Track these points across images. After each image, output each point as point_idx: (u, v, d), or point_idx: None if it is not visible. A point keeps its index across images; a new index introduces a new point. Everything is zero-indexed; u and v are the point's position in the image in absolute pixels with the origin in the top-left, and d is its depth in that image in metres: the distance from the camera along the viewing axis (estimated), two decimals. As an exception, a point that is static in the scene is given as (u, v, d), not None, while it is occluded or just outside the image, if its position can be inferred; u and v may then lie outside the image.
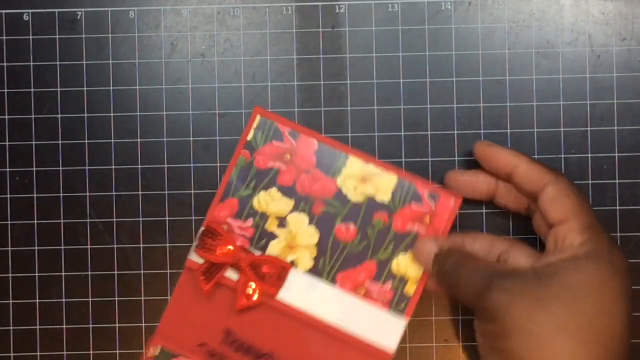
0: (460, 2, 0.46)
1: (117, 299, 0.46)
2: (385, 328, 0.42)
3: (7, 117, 0.46)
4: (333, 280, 0.42)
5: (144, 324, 0.46)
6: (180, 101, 0.46)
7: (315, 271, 0.42)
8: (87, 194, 0.46)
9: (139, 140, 0.46)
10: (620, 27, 0.46)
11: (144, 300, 0.46)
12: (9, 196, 0.46)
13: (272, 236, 0.43)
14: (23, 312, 0.46)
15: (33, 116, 0.46)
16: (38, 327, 0.46)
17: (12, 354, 0.46)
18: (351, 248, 0.42)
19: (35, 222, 0.46)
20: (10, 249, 0.46)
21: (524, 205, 0.42)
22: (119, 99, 0.46)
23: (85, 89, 0.46)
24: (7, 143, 0.46)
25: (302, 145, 0.43)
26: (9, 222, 0.46)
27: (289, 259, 0.43)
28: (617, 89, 0.46)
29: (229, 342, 0.43)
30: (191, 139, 0.46)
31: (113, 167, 0.46)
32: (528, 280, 0.37)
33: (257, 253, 0.43)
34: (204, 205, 0.45)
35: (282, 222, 0.43)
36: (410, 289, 0.42)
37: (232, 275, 0.43)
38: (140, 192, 0.46)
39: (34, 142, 0.46)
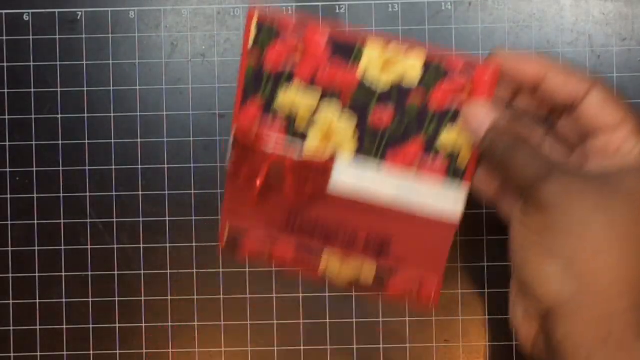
0: (460, 2, 0.46)
1: (117, 299, 0.46)
2: (444, 198, 0.40)
3: (7, 117, 0.46)
4: (382, 159, 0.40)
5: (144, 324, 0.46)
6: (180, 101, 0.46)
7: (360, 153, 0.40)
8: (87, 194, 0.46)
9: (139, 140, 0.46)
10: (620, 27, 0.46)
11: (144, 300, 0.46)
12: (9, 196, 0.46)
13: (305, 132, 0.40)
14: (23, 312, 0.46)
15: (33, 116, 0.46)
16: (38, 327, 0.46)
17: (12, 354, 0.46)
18: (391, 131, 0.39)
19: (35, 222, 0.46)
20: (10, 249, 0.46)
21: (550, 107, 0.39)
22: (119, 99, 0.46)
23: (85, 89, 0.46)
24: (7, 143, 0.46)
25: (311, 41, 0.39)
26: (9, 222, 0.46)
27: (329, 149, 0.40)
28: (617, 89, 0.46)
29: (292, 227, 0.41)
30: (191, 139, 0.46)
31: (113, 167, 0.46)
32: (591, 182, 0.34)
33: (297, 146, 0.40)
34: (203, 205, 0.45)
35: (312, 116, 0.40)
36: (464, 160, 0.39)
37: (277, 179, 0.41)
38: (140, 192, 0.46)
39: (34, 142, 0.46)
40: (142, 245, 0.46)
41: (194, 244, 0.46)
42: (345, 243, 0.41)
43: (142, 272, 0.46)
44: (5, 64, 0.46)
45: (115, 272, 0.46)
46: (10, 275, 0.46)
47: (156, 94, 0.46)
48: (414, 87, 0.39)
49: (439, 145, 0.39)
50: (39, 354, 0.46)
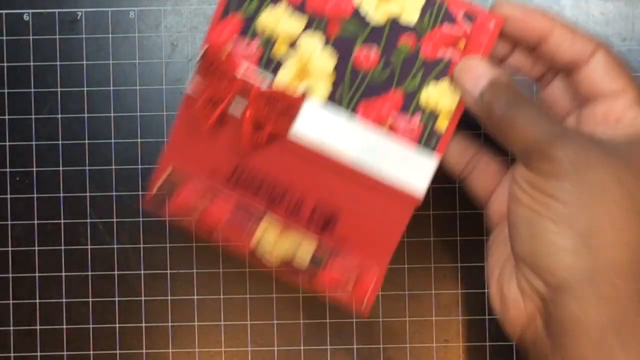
0: (460, 2, 0.46)
1: (117, 299, 0.46)
2: (412, 167, 0.36)
3: (7, 117, 0.46)
4: (354, 110, 0.36)
5: (144, 324, 0.46)
6: (180, 101, 0.46)
7: (332, 99, 0.36)
8: (87, 194, 0.46)
9: (139, 140, 0.46)
10: (620, 27, 0.46)
11: (144, 300, 0.46)
12: (9, 196, 0.46)
13: (281, 61, 0.36)
14: (23, 312, 0.46)
15: (33, 116, 0.46)
16: (38, 327, 0.46)
17: (12, 354, 0.46)
18: (373, 76, 0.36)
19: (35, 222, 0.46)
20: (10, 249, 0.46)
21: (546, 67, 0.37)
22: (119, 99, 0.46)
23: (85, 89, 0.46)
24: (7, 143, 0.46)
25: None
26: (9, 222, 0.46)
27: (301, 87, 0.36)
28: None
29: (237, 180, 0.37)
30: (191, 139, 0.46)
31: (113, 167, 0.46)
32: (609, 150, 0.31)
33: (267, 79, 0.36)
34: (204, 205, 0.45)
35: (292, 44, 0.36)
36: (442, 124, 0.36)
37: (237, 110, 0.37)
38: (140, 192, 0.46)
39: (34, 142, 0.46)
40: (142, 245, 0.46)
41: (193, 244, 0.46)
42: (290, 210, 0.37)
43: (142, 272, 0.46)
44: (5, 64, 0.46)
45: (115, 272, 0.46)
46: (10, 275, 0.46)
47: (156, 94, 0.46)
48: (411, 25, 0.36)
49: (418, 103, 0.36)
50: (39, 354, 0.46)
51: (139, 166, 0.46)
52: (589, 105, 0.34)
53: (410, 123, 0.36)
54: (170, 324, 0.46)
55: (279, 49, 0.36)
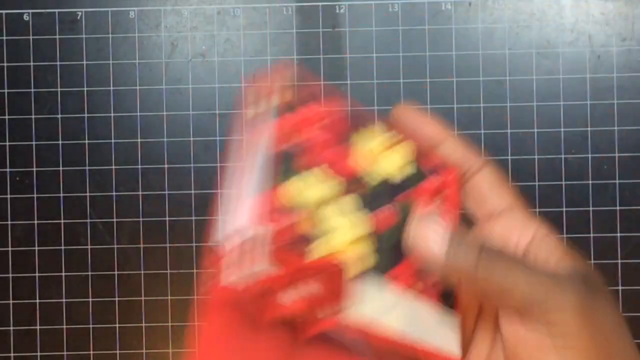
0: (460, 2, 0.46)
1: (117, 299, 0.46)
2: (441, 327, 0.33)
3: (7, 117, 0.46)
4: (389, 278, 0.32)
5: (144, 324, 0.46)
6: (180, 101, 0.46)
7: (370, 270, 0.32)
8: (87, 194, 0.46)
9: (139, 140, 0.46)
10: (620, 27, 0.46)
11: (144, 300, 0.46)
12: (9, 196, 0.46)
13: (313, 236, 0.31)
14: (23, 312, 0.46)
15: (33, 116, 0.46)
16: (38, 327, 0.46)
17: (12, 354, 0.46)
18: (395, 233, 0.33)
19: (35, 222, 0.46)
20: (10, 249, 0.46)
21: None
22: (119, 99, 0.46)
23: (85, 89, 0.46)
24: (7, 143, 0.46)
25: (315, 119, 0.33)
26: (9, 222, 0.46)
27: (346, 260, 0.32)
28: (617, 89, 0.46)
29: None
30: (191, 139, 0.46)
31: (113, 167, 0.46)
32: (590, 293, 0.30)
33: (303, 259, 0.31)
34: (203, 205, 0.45)
35: (323, 215, 0.32)
36: None
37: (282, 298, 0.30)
38: (140, 192, 0.46)
39: (34, 142, 0.46)
40: (142, 245, 0.46)
41: (194, 244, 0.46)
42: None
43: (142, 272, 0.46)
44: (5, 64, 0.46)
45: (115, 272, 0.46)
46: (10, 275, 0.46)
47: (156, 94, 0.46)
48: (402, 183, 0.33)
49: None
50: (39, 354, 0.46)
51: (139, 166, 0.46)
52: (482, 228, 0.33)
53: (429, 279, 0.33)
54: (170, 324, 0.46)
55: (312, 223, 0.31)
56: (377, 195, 0.33)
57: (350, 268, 0.31)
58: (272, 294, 0.29)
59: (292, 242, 0.30)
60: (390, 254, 0.32)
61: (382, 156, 0.33)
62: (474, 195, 0.34)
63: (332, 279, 0.31)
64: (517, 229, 0.33)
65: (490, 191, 0.33)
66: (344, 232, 0.32)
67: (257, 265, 0.29)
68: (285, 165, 0.32)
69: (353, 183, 0.32)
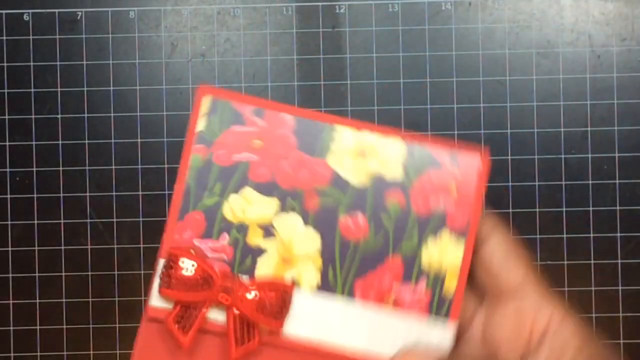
0: (460, 2, 0.46)
1: (117, 299, 0.46)
2: (428, 340, 0.31)
3: (7, 117, 0.46)
4: (350, 293, 0.32)
5: (144, 324, 0.46)
6: (180, 101, 0.46)
7: (325, 287, 0.32)
8: (87, 194, 0.46)
9: (139, 140, 0.46)
10: (620, 27, 0.46)
11: (144, 300, 0.46)
12: (9, 196, 0.46)
13: (259, 251, 0.32)
14: (23, 312, 0.46)
15: (33, 116, 0.46)
16: (38, 327, 0.46)
17: (12, 354, 0.46)
18: (365, 246, 0.32)
19: (35, 222, 0.46)
20: (10, 249, 0.46)
21: None
22: (119, 99, 0.46)
23: (85, 89, 0.46)
24: (7, 143, 0.46)
25: (272, 125, 0.32)
26: (9, 222, 0.46)
27: (287, 277, 0.32)
28: (617, 89, 0.46)
29: None
30: (191, 139, 0.46)
31: (113, 167, 0.46)
32: None
33: (244, 278, 0.31)
34: (204, 205, 0.45)
35: (267, 230, 0.32)
36: (451, 285, 0.32)
37: (216, 315, 0.31)
38: (140, 192, 0.46)
39: (34, 142, 0.46)
40: (142, 245, 0.46)
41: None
42: None
43: (142, 272, 0.46)
44: (5, 64, 0.46)
45: (115, 272, 0.46)
46: (10, 275, 0.46)
47: (156, 94, 0.46)
48: (397, 180, 0.32)
49: (420, 266, 0.32)
50: (39, 354, 0.46)
51: (139, 166, 0.46)
52: (494, 305, 0.32)
53: (416, 292, 0.32)
54: (170, 324, 0.46)
55: (253, 240, 0.32)
56: (357, 199, 0.32)
57: (295, 285, 0.31)
58: (189, 319, 0.31)
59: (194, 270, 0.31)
60: (360, 265, 0.32)
61: (367, 152, 0.32)
62: (484, 267, 0.32)
63: (275, 296, 0.31)
64: (531, 313, 0.31)
65: (501, 265, 0.31)
66: (287, 248, 0.32)
67: (154, 291, 0.31)
68: (229, 181, 0.32)
69: (325, 189, 0.32)
